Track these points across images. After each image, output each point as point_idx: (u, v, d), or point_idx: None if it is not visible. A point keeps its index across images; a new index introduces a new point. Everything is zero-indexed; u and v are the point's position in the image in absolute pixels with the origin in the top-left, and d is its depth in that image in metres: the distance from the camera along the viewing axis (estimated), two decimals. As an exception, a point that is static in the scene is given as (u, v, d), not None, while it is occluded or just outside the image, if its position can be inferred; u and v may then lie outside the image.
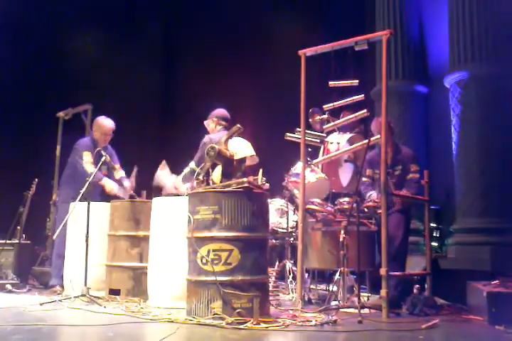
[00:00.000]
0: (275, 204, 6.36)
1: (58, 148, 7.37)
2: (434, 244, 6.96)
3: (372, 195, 5.16)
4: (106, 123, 5.99)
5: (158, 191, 5.30)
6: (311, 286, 5.74)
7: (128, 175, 5.90)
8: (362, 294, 4.61)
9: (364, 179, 5.28)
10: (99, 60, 10.03)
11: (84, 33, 10.28)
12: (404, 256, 5.07)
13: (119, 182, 5.88)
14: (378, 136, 4.99)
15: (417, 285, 4.72)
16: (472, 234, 6.51)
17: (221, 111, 5.52)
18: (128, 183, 5.83)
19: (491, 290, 4.18)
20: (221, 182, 4.42)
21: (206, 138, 5.25)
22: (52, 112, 7.72)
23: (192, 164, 5.21)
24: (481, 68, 6.77)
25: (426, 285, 5.00)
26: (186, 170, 5.24)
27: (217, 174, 4.53)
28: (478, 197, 6.59)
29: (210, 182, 4.46)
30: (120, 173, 5.97)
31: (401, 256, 4.98)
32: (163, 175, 5.33)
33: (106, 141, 5.99)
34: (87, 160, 5.77)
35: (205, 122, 5.55)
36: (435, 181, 5.64)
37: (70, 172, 5.98)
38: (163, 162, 5.41)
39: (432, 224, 6.61)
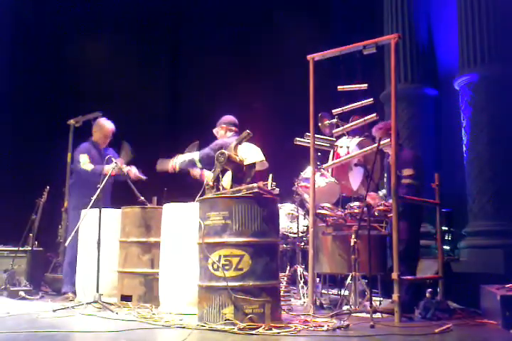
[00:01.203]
0: (285, 209, 6.35)
1: (69, 155, 7.40)
2: (446, 247, 6.92)
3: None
4: (106, 124, 6.14)
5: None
6: (323, 291, 5.72)
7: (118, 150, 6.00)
8: (374, 298, 4.59)
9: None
10: (110, 68, 10.07)
11: (95, 40, 10.35)
12: (412, 259, 5.02)
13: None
14: (388, 140, 4.98)
15: (430, 289, 4.69)
16: (484, 237, 6.47)
17: (229, 118, 5.55)
18: (119, 159, 5.85)
19: (504, 293, 4.14)
20: (231, 187, 4.42)
21: (221, 141, 5.25)
22: (62, 120, 7.77)
23: (196, 155, 5.26)
24: (490, 70, 6.74)
25: (438, 289, 4.97)
26: (187, 157, 5.30)
27: (227, 180, 4.53)
28: (489, 199, 6.55)
29: (220, 187, 4.47)
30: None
31: (408, 259, 4.92)
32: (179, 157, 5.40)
33: (105, 142, 6.15)
34: (83, 161, 5.89)
35: (214, 130, 5.57)
36: (446, 184, 5.60)
37: (74, 180, 6.10)
38: (196, 143, 5.46)
39: (443, 227, 6.57)
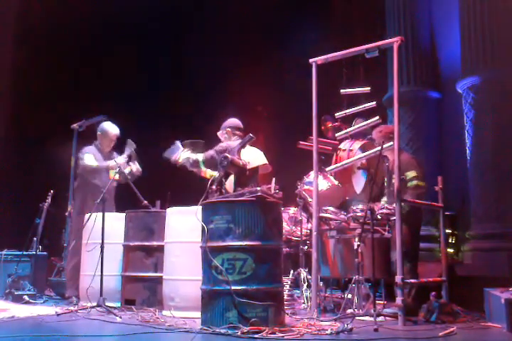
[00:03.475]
0: (288, 213, 6.34)
1: (73, 159, 7.43)
2: (450, 250, 6.91)
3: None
4: (110, 129, 6.16)
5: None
6: (326, 294, 5.71)
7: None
8: (377, 302, 4.58)
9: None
10: (113, 72, 10.10)
11: (100, 43, 10.38)
12: (413, 262, 5.00)
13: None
14: (391, 143, 4.97)
15: (433, 293, 4.68)
16: (488, 240, 6.45)
17: (233, 121, 5.42)
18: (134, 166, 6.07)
19: (509, 296, 4.13)
20: (234, 191, 4.42)
21: (225, 144, 5.16)
22: (66, 124, 7.79)
23: (200, 156, 5.15)
24: (493, 73, 6.74)
25: (442, 292, 4.95)
26: (192, 156, 5.17)
27: (230, 183, 4.54)
28: (493, 202, 6.53)
29: (224, 191, 4.47)
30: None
31: (410, 262, 4.91)
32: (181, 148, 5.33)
33: (109, 146, 6.19)
34: (87, 158, 5.99)
35: (218, 133, 5.44)
36: (450, 187, 5.59)
37: (78, 183, 6.07)
38: (201, 142, 5.40)
39: (447, 230, 6.56)
